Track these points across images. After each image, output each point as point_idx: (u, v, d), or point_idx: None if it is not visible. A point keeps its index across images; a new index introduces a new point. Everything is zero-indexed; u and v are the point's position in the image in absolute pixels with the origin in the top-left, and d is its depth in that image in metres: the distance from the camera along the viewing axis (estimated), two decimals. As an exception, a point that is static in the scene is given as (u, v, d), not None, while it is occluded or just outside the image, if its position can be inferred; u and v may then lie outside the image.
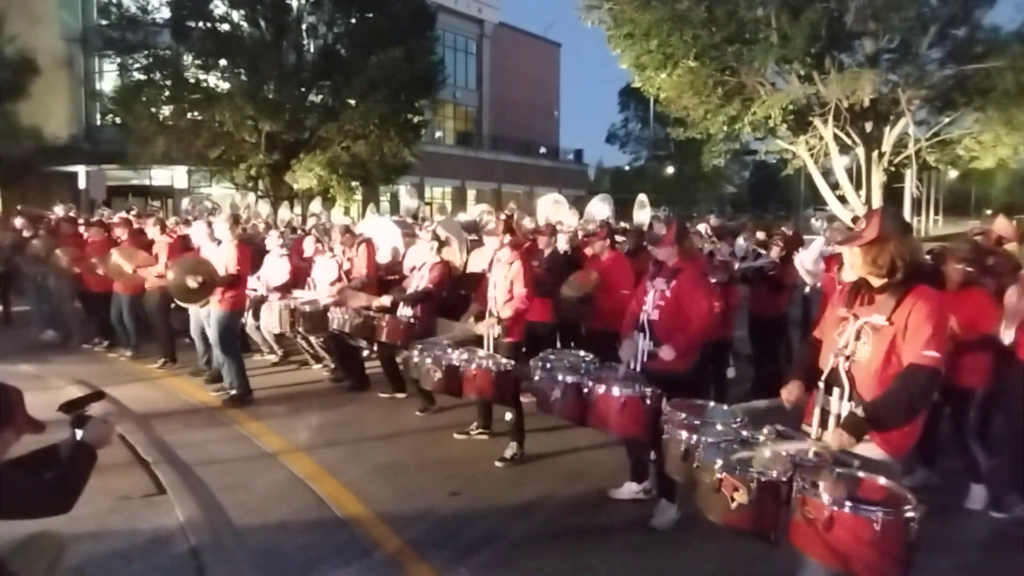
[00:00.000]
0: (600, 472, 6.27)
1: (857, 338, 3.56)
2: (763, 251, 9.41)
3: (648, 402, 4.87)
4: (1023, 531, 5.45)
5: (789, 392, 3.83)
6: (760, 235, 11.14)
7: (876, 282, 3.56)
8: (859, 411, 3.47)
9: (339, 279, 9.38)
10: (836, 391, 3.59)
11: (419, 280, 8.40)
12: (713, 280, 7.67)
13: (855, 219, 9.70)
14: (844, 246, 3.69)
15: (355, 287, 9.11)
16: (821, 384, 3.67)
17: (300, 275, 10.08)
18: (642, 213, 14.43)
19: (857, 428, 3.44)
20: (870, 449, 3.50)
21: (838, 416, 3.58)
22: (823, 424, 3.66)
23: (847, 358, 3.57)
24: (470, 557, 4.85)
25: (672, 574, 4.82)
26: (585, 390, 5.13)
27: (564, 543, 5.14)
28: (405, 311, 8.26)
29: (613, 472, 6.04)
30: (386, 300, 8.63)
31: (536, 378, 5.48)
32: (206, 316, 8.90)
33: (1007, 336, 5.61)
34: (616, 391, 4.94)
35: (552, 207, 13.98)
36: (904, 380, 3.39)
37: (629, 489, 5.79)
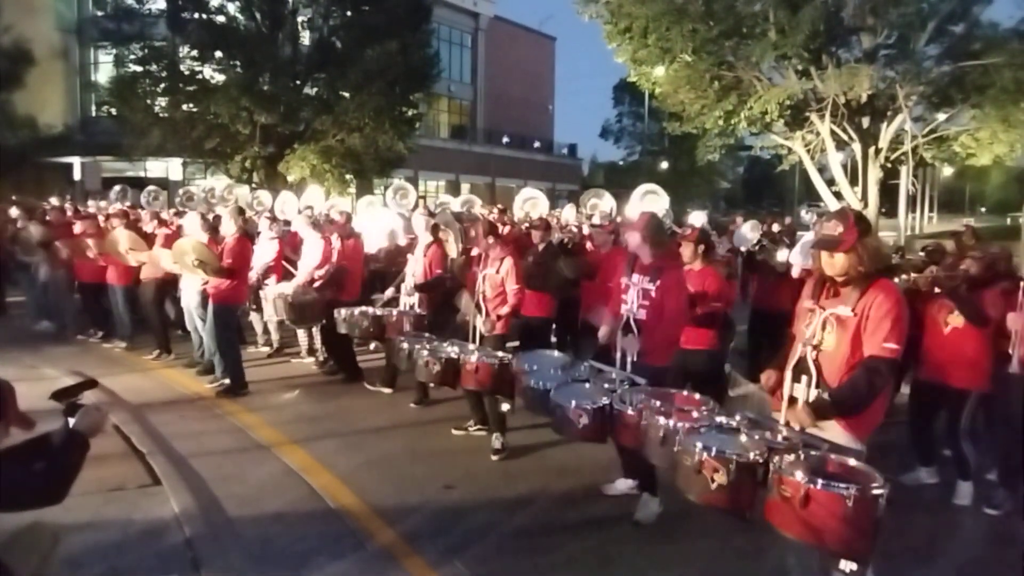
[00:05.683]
0: (593, 466, 6.26)
1: (823, 328, 3.77)
2: (772, 244, 9.35)
3: None
4: (1012, 526, 5.48)
5: (767, 377, 4.05)
6: (776, 227, 11.08)
7: (840, 277, 3.76)
8: (825, 396, 3.68)
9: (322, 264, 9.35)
10: (804, 379, 3.79)
11: (415, 264, 8.40)
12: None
13: (821, 213, 9.69)
14: (825, 251, 3.80)
15: (330, 277, 9.04)
16: (788, 372, 3.87)
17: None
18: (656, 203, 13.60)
19: (823, 410, 3.67)
20: (838, 434, 3.69)
21: (806, 402, 3.76)
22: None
23: (814, 348, 3.78)
24: (464, 550, 4.85)
25: (664, 567, 4.81)
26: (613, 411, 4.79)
27: (558, 536, 5.15)
28: (410, 300, 8.26)
29: (606, 467, 6.03)
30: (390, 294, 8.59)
31: (552, 404, 5.10)
32: (197, 307, 8.89)
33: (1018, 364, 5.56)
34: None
35: (527, 203, 13.88)
36: (866, 370, 3.61)
37: (626, 484, 5.81)
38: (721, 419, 4.17)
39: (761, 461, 3.61)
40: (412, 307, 8.18)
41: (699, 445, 3.74)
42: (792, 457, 3.51)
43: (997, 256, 6.15)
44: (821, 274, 3.87)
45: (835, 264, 3.75)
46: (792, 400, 3.81)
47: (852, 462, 3.47)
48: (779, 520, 3.39)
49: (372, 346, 9.18)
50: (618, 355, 5.41)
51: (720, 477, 3.61)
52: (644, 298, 5.36)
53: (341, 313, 8.10)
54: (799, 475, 3.30)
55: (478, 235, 7.27)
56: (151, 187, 17.24)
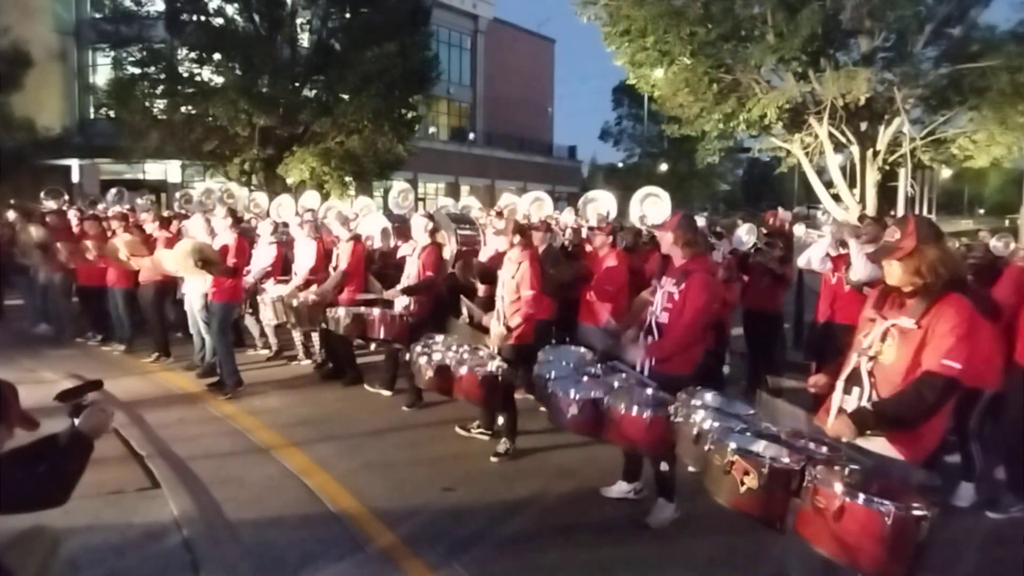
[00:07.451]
0: (592, 469, 6.27)
1: (883, 340, 3.54)
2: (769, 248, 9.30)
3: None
4: (1019, 531, 5.48)
5: (816, 379, 3.88)
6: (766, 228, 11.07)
7: (908, 287, 3.53)
8: (869, 407, 3.47)
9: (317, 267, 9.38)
10: (855, 391, 3.58)
11: (411, 266, 8.38)
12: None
13: (862, 217, 9.62)
14: (882, 259, 3.61)
15: (330, 284, 9.04)
16: (840, 383, 3.67)
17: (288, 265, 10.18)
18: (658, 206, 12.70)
19: (862, 422, 3.44)
20: (888, 451, 3.48)
21: (846, 411, 3.58)
22: None
23: (870, 359, 3.56)
24: (463, 553, 4.85)
25: (663, 569, 4.82)
26: (605, 406, 4.87)
27: (557, 539, 5.14)
28: (402, 301, 8.24)
29: (605, 469, 6.05)
30: (395, 295, 8.38)
31: (548, 391, 5.22)
32: (200, 310, 8.91)
33: None
34: (643, 412, 4.66)
35: (533, 205, 13.83)
36: (918, 385, 3.36)
37: (620, 488, 5.82)
38: (763, 426, 3.98)
39: (797, 469, 3.42)
40: (408, 308, 8.20)
41: (732, 445, 3.60)
42: (833, 468, 3.33)
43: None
44: (886, 284, 3.66)
45: (892, 273, 3.56)
46: (841, 412, 3.61)
47: (896, 479, 3.29)
48: (811, 533, 3.24)
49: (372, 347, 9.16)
50: (638, 360, 5.26)
51: (750, 480, 3.44)
52: (668, 301, 5.20)
53: (330, 313, 8.36)
54: (837, 487, 3.14)
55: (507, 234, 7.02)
56: (144, 193, 17.12)
